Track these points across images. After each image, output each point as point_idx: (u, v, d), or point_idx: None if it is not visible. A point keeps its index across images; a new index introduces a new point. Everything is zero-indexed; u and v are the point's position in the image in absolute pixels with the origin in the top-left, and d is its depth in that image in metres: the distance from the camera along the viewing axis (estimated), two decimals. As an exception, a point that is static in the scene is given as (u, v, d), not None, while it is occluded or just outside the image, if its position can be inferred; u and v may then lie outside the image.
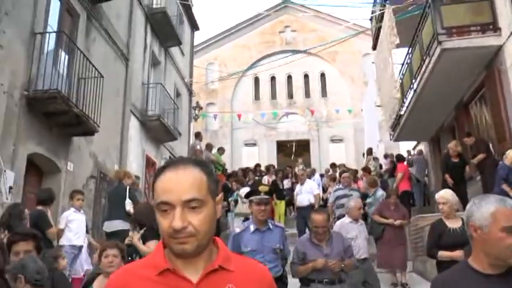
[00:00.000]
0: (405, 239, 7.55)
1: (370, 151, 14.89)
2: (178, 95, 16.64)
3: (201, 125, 22.48)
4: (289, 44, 25.47)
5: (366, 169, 11.67)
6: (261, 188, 3.96)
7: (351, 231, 5.79)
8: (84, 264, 6.76)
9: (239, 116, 21.28)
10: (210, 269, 1.19)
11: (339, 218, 7.21)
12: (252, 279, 1.26)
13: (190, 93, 18.58)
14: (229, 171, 16.05)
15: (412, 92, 10.86)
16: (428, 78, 9.32)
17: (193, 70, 19.27)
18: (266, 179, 12.35)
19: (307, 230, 9.54)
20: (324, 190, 12.33)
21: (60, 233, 6.36)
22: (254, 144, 24.80)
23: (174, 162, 1.25)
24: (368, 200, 8.81)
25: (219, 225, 10.14)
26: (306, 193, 9.79)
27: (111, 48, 10.80)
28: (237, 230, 4.01)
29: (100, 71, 8.88)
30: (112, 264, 3.50)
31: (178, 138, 14.74)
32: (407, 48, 11.45)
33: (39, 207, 6.03)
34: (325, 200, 10.83)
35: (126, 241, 4.44)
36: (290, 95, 25.43)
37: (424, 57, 9.41)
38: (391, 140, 14.54)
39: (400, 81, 12.02)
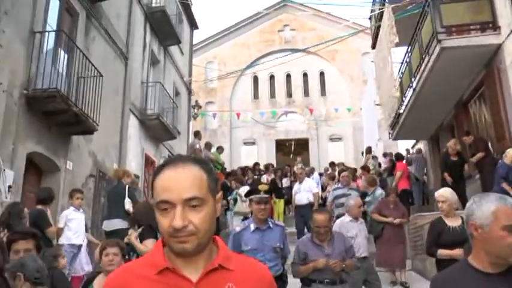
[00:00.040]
0: (404, 237, 7.56)
1: (369, 150, 14.91)
2: (177, 93, 16.64)
3: (200, 124, 22.47)
4: (289, 43, 25.47)
5: (365, 168, 11.67)
6: (260, 187, 3.96)
7: (351, 229, 5.78)
8: (83, 264, 6.75)
9: (238, 115, 21.27)
10: (210, 268, 1.18)
11: (338, 217, 7.21)
12: (252, 278, 1.25)
13: (190, 92, 18.58)
14: (228, 170, 16.04)
15: (411, 90, 10.86)
16: (427, 76, 9.32)
17: (192, 69, 19.26)
18: (265, 178, 12.35)
19: (306, 230, 9.62)
20: (323, 189, 12.34)
21: (59, 232, 6.36)
22: (253, 143, 24.80)
23: (173, 160, 1.23)
24: (367, 199, 8.81)
25: (219, 224, 10.14)
26: (305, 192, 9.78)
27: (110, 47, 10.80)
28: (238, 228, 4.01)
29: (99, 70, 8.88)
30: (112, 262, 3.50)
31: (177, 137, 14.74)
32: (406, 47, 11.46)
33: (39, 207, 6.03)
34: (324, 199, 10.84)
35: (125, 240, 4.45)
36: (289, 94, 25.43)
37: (424, 56, 9.41)
38: (390, 138, 14.54)
39: (400, 80, 12.02)
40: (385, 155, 15.17)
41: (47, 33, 7.84)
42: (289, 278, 4.20)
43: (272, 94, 25.54)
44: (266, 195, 3.87)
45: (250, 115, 22.14)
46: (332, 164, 15.04)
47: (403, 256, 7.27)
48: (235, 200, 10.53)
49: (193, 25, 18.99)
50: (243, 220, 9.58)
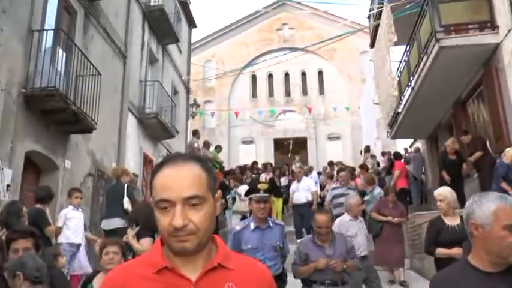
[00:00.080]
0: (403, 236, 7.57)
1: (367, 149, 14.91)
2: (175, 92, 16.63)
3: (199, 123, 22.45)
4: (287, 42, 25.48)
5: (363, 166, 11.68)
6: (260, 186, 3.97)
7: (351, 228, 5.78)
8: (82, 263, 6.74)
9: (236, 114, 21.26)
10: (210, 267, 1.17)
11: (336, 216, 7.21)
12: (252, 277, 1.24)
13: (188, 90, 18.56)
14: (226, 169, 16.05)
15: (409, 89, 10.88)
16: (426, 75, 9.33)
17: (190, 68, 19.24)
18: (264, 177, 12.35)
19: (304, 230, 9.62)
20: (322, 188, 12.35)
21: (58, 231, 6.34)
22: (251, 142, 24.81)
23: (172, 158, 1.22)
24: (365, 198, 8.80)
25: (217, 222, 10.13)
26: (303, 190, 9.77)
27: (108, 46, 10.78)
28: (237, 227, 4.01)
29: (98, 68, 8.87)
30: (112, 261, 3.50)
31: (175, 136, 14.74)
32: (405, 46, 11.47)
33: (38, 205, 6.01)
34: (323, 198, 10.83)
35: (124, 239, 4.44)
36: (287, 93, 25.43)
37: (422, 55, 9.42)
38: (388, 137, 14.56)
39: (398, 79, 12.04)
40: (383, 153, 15.22)
41: (45, 32, 7.83)
42: (288, 277, 4.20)
43: (270, 93, 25.55)
44: (266, 194, 3.87)
45: (249, 114, 22.12)
46: (331, 164, 15.05)
47: (401, 255, 7.28)
48: (234, 199, 10.53)
49: (191, 24, 18.98)
50: (241, 219, 9.63)
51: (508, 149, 6.93)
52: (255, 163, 16.18)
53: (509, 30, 7.75)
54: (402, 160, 12.55)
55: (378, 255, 7.15)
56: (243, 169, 14.85)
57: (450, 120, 11.66)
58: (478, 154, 8.27)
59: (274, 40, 25.92)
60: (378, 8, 12.81)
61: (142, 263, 1.21)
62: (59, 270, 4.04)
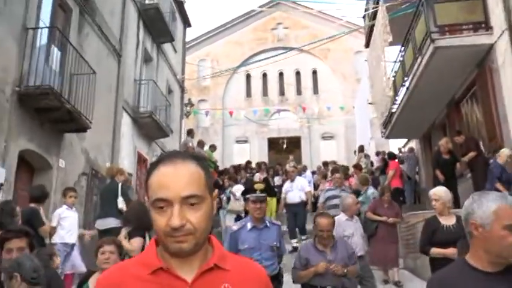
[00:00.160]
0: (397, 236, 7.59)
1: (361, 148, 14.95)
2: (170, 91, 16.58)
3: (193, 122, 22.41)
4: (281, 41, 25.48)
5: (357, 166, 11.72)
6: (256, 186, 3.97)
7: (348, 228, 5.78)
8: (76, 262, 6.71)
9: (231, 113, 21.26)
10: (206, 267, 1.15)
11: (331, 218, 7.21)
12: (248, 278, 1.22)
13: (182, 90, 18.52)
14: (220, 168, 16.04)
15: (404, 89, 10.92)
16: (420, 76, 9.36)
17: (185, 67, 19.19)
18: (258, 176, 12.35)
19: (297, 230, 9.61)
20: (316, 187, 12.37)
21: (52, 230, 6.31)
22: (245, 141, 24.80)
23: (169, 156, 1.18)
24: (359, 198, 8.82)
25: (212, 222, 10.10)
26: (297, 190, 9.75)
27: (103, 44, 10.72)
28: (234, 227, 4.00)
29: (92, 67, 8.82)
30: (108, 260, 3.47)
31: (170, 135, 14.68)
32: (400, 46, 11.51)
33: (32, 205, 5.97)
34: (317, 197, 10.82)
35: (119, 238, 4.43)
36: (282, 92, 25.45)
37: (417, 55, 9.46)
38: (382, 137, 14.60)
39: (393, 79, 12.07)
40: (377, 153, 15.28)
41: (39, 30, 7.77)
42: (284, 278, 4.19)
43: (265, 92, 25.55)
44: (262, 194, 3.87)
45: (243, 113, 22.13)
46: (325, 164, 15.07)
47: (396, 255, 7.31)
48: (229, 199, 10.51)
49: (186, 23, 18.93)
50: (236, 219, 9.61)
51: (502, 150, 6.98)
52: (249, 162, 16.17)
53: (503, 31, 7.79)
54: (396, 160, 12.60)
55: (374, 256, 7.16)
56: (237, 168, 14.85)
57: (444, 120, 11.72)
58: (471, 154, 8.32)
59: (268, 39, 25.92)
60: (374, 8, 12.85)
61: (137, 263, 1.18)
62: (55, 271, 4.01)
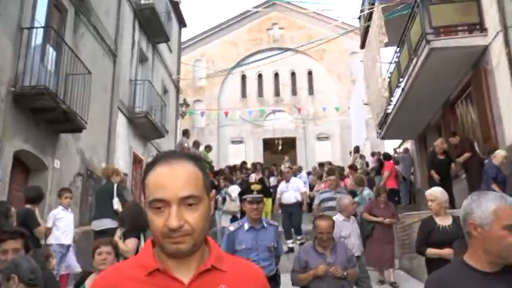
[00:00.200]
0: (393, 237, 7.60)
1: (357, 149, 14.99)
2: (165, 91, 16.55)
3: (188, 122, 22.39)
4: (277, 42, 25.52)
5: (353, 167, 11.74)
6: (253, 186, 3.96)
7: (344, 229, 5.78)
8: (71, 263, 6.68)
9: (226, 113, 21.26)
10: (203, 268, 1.14)
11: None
12: (246, 279, 1.21)
13: (178, 90, 18.49)
14: (215, 168, 16.03)
15: (399, 90, 10.95)
16: (416, 77, 9.40)
17: (180, 67, 19.18)
18: (253, 177, 12.35)
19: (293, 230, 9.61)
20: (311, 188, 12.38)
21: (48, 231, 6.27)
22: (241, 142, 24.81)
23: (166, 156, 1.17)
24: (355, 199, 8.82)
25: (208, 223, 10.06)
26: (293, 191, 9.74)
27: (99, 44, 10.69)
28: (232, 228, 3.99)
29: (88, 67, 8.79)
30: (105, 261, 3.46)
31: (165, 136, 14.66)
32: (395, 47, 11.55)
33: (27, 206, 5.94)
34: (312, 198, 10.82)
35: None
36: (277, 93, 25.48)
37: (412, 56, 9.49)
38: (378, 138, 14.64)
39: (388, 79, 12.11)
40: (372, 154, 15.30)
41: (35, 30, 7.72)
42: (281, 278, 4.19)
43: (260, 93, 25.57)
44: (259, 195, 3.87)
45: (238, 113, 22.15)
46: (321, 165, 15.09)
47: (392, 256, 7.32)
48: (224, 199, 10.50)
49: (181, 23, 18.92)
50: (231, 219, 9.61)
51: (497, 151, 7.02)
52: (244, 163, 16.17)
53: (497, 33, 7.84)
54: (391, 161, 12.63)
55: (371, 257, 7.17)
56: (232, 169, 14.84)
57: (439, 121, 11.76)
58: (467, 155, 8.36)
59: (264, 40, 25.94)
60: (369, 9, 12.89)
61: (134, 264, 1.17)
62: (50, 272, 4.00)
